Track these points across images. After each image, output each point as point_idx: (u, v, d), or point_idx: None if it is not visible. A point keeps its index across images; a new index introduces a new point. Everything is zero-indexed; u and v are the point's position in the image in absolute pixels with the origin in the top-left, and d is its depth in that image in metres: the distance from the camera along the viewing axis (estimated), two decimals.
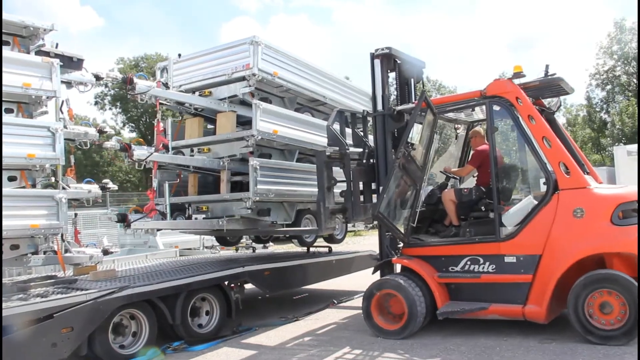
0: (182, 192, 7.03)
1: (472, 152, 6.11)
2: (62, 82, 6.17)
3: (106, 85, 35.48)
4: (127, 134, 44.04)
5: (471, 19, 65.72)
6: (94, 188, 6.57)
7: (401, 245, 6.00)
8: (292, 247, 10.00)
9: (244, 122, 6.94)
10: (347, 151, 6.07)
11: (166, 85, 6.07)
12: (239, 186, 6.97)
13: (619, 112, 31.72)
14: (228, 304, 6.14)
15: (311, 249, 8.24)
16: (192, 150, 6.69)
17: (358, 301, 7.86)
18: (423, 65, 6.84)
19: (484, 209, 5.74)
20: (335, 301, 7.71)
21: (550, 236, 5.03)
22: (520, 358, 4.69)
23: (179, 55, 6.64)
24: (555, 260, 4.95)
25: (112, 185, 7.12)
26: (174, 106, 6.82)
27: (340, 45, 66.64)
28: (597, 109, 36.26)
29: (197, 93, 6.76)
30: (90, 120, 37.36)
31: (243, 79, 6.49)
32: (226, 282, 6.24)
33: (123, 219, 5.69)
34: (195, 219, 6.48)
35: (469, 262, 5.51)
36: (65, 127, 6.11)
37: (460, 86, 43.89)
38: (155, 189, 5.98)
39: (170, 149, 6.10)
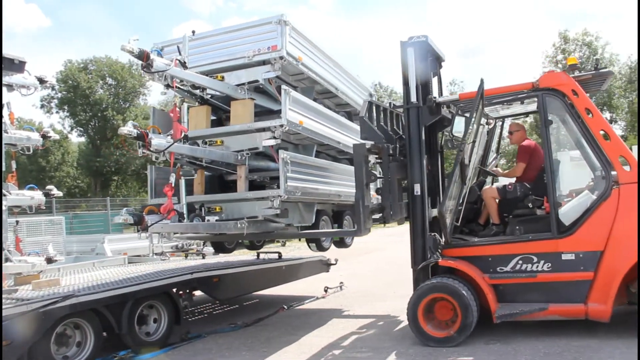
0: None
1: (517, 148, 5.87)
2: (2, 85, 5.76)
3: (53, 88, 32.48)
4: (75, 138, 41.72)
5: (422, 26, 68.32)
6: (37, 194, 6.30)
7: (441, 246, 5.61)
8: (244, 253, 9.41)
9: (255, 113, 6.22)
10: (386, 145, 5.60)
11: (184, 65, 5.20)
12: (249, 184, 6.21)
13: None
14: (176, 311, 5.96)
15: (261, 255, 7.98)
16: (204, 143, 5.84)
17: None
18: (444, 59, 6.58)
19: (531, 206, 5.53)
20: (285, 307, 7.60)
21: (612, 231, 4.89)
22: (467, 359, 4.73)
23: (193, 32, 5.76)
24: (620, 256, 4.81)
25: (57, 192, 6.81)
26: (182, 91, 5.89)
27: None
28: None
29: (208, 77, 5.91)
30: (36, 123, 34.63)
31: (264, 62, 5.80)
32: (174, 289, 6.08)
33: (140, 221, 4.76)
34: (208, 220, 5.63)
35: (520, 262, 5.25)
36: (5, 131, 5.86)
37: None
38: (173, 185, 5.07)
39: (187, 139, 5.22)
